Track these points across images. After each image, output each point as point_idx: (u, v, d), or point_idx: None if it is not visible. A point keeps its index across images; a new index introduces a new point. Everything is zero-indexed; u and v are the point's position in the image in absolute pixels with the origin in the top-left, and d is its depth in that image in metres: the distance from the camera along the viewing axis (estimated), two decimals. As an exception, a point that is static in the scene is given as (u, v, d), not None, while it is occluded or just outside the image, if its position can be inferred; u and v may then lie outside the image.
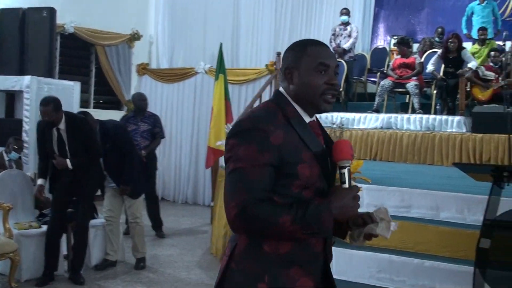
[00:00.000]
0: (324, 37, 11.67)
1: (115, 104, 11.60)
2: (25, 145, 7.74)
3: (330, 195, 1.98)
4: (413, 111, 9.47)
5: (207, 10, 12.21)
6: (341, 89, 10.16)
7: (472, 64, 9.13)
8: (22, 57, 8.52)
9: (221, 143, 7.90)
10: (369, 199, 5.58)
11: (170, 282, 5.96)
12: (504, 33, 10.27)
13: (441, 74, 9.57)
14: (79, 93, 9.05)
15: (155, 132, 7.90)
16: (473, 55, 9.57)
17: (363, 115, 9.56)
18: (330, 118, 8.49)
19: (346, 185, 2.02)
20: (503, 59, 9.45)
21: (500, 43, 10.43)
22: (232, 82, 10.25)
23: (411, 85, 9.47)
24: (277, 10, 12.11)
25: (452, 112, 9.24)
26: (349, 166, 2.04)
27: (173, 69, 11.92)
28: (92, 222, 6.19)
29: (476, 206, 5.07)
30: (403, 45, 10.02)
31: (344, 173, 2.02)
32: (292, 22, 12.21)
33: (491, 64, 9.29)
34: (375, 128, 9.38)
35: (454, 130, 8.76)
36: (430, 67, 9.55)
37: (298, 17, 12.25)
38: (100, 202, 6.54)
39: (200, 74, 11.26)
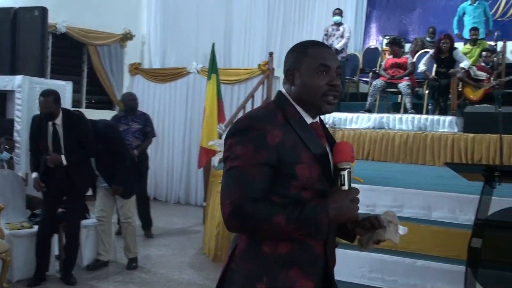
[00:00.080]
0: (317, 37, 11.67)
1: (107, 104, 11.58)
2: (17, 145, 7.71)
3: (328, 197, 1.97)
4: (405, 111, 9.49)
5: (199, 10, 12.19)
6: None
7: (465, 63, 9.16)
8: (14, 57, 8.48)
9: (213, 143, 7.89)
10: (361, 199, 5.46)
11: (162, 282, 5.95)
12: (496, 33, 10.31)
13: (433, 74, 9.60)
14: (71, 93, 9.00)
15: (147, 131, 7.89)
16: (464, 55, 9.60)
17: (355, 115, 9.57)
18: (322, 118, 8.50)
19: (346, 187, 2.00)
20: (495, 59, 9.49)
21: (492, 43, 10.47)
22: (225, 82, 10.24)
23: (403, 85, 9.49)
24: (269, 10, 12.11)
25: (444, 112, 9.26)
26: (349, 168, 2.02)
27: (165, 69, 11.91)
28: (84, 222, 6.18)
29: (468, 206, 5.09)
30: (395, 45, 10.04)
31: (343, 175, 2.01)
32: (285, 22, 12.22)
33: (483, 64, 9.32)
34: (367, 128, 9.40)
35: (446, 130, 8.78)
36: (422, 67, 9.57)
37: (290, 17, 12.26)
38: (92, 202, 6.52)
39: (193, 74, 11.25)
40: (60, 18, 10.09)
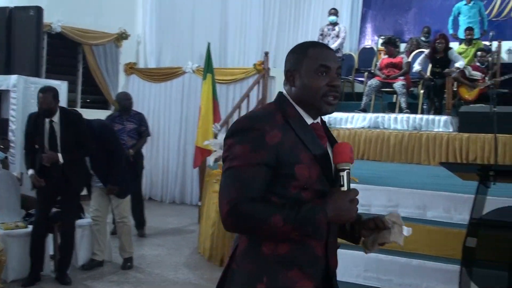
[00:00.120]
0: (312, 37, 11.70)
1: (102, 104, 11.55)
2: (12, 144, 7.70)
3: (327, 197, 1.96)
4: (400, 111, 9.51)
5: (195, 9, 12.18)
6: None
7: (460, 63, 9.19)
8: (9, 56, 8.48)
9: (208, 143, 7.89)
10: (357, 198, 5.58)
11: (158, 282, 5.95)
12: (491, 33, 10.34)
13: (428, 74, 9.62)
14: (66, 93, 8.98)
15: (141, 130, 7.88)
16: (459, 55, 9.63)
17: (350, 114, 9.59)
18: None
19: (345, 188, 1.99)
20: (490, 59, 9.52)
21: (487, 43, 10.50)
22: (220, 81, 10.23)
23: (398, 84, 9.51)
24: (265, 9, 12.12)
25: (439, 111, 9.29)
26: (348, 169, 2.02)
27: (160, 68, 11.89)
28: (79, 222, 6.16)
29: (463, 205, 5.10)
30: (390, 45, 10.07)
31: (342, 176, 2.00)
32: (280, 22, 12.24)
33: (478, 64, 9.35)
34: (363, 127, 9.42)
35: (441, 129, 8.81)
36: (417, 67, 9.59)
37: (286, 17, 12.29)
38: (86, 202, 6.51)
39: (188, 74, 11.24)
40: (55, 18, 10.06)
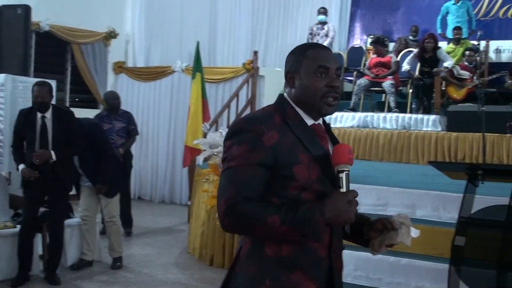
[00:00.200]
0: (301, 36, 11.72)
1: (91, 103, 11.50)
2: (0, 144, 7.64)
3: (325, 199, 1.95)
4: (389, 110, 9.55)
5: (183, 8, 12.16)
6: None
7: (448, 63, 9.23)
8: (-4, 55, 8.42)
9: (198, 142, 7.87)
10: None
11: (147, 282, 5.94)
12: (479, 33, 10.40)
13: (417, 73, 9.66)
14: (55, 92, 8.92)
15: (130, 129, 7.87)
16: (448, 55, 9.67)
17: (339, 113, 9.61)
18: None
19: (344, 190, 1.99)
20: (478, 58, 9.58)
21: (475, 42, 10.56)
22: (209, 80, 10.22)
23: (387, 84, 9.54)
24: (254, 8, 12.13)
25: (427, 111, 9.33)
26: (347, 171, 2.01)
27: (149, 67, 11.86)
28: (68, 221, 6.13)
29: (451, 204, 5.12)
30: (379, 44, 10.10)
31: (341, 177, 2.00)
32: (269, 20, 12.25)
33: (466, 63, 9.40)
34: (352, 126, 9.45)
35: (429, 128, 8.85)
36: (406, 66, 9.62)
37: (275, 16, 12.29)
38: (75, 202, 6.48)
39: (177, 73, 11.21)
40: (44, 16, 10.01)
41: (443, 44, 10.38)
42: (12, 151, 5.84)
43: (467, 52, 9.53)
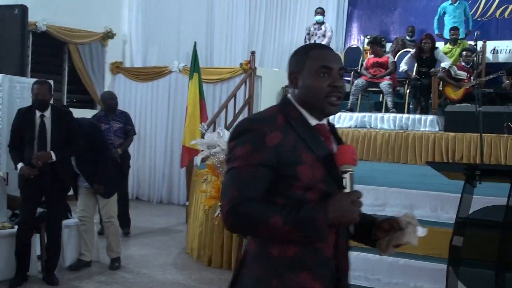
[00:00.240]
0: (299, 37, 11.74)
1: (88, 103, 11.49)
2: (-3, 144, 7.63)
3: (328, 199, 1.95)
4: (387, 110, 9.56)
5: (181, 8, 12.15)
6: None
7: (445, 63, 9.26)
8: (-7, 56, 8.40)
9: (195, 142, 7.85)
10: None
11: (146, 282, 5.93)
12: (476, 33, 10.40)
13: (414, 73, 9.67)
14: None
15: (128, 129, 7.88)
16: (445, 55, 9.69)
17: (337, 114, 9.59)
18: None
19: (347, 190, 1.99)
20: (475, 58, 9.59)
21: (472, 42, 10.56)
22: (207, 81, 10.22)
23: (385, 84, 9.55)
24: (251, 9, 12.13)
25: (425, 111, 9.35)
26: (352, 171, 2.02)
27: (147, 68, 11.85)
28: (66, 222, 6.13)
29: (449, 204, 5.12)
30: (376, 44, 10.12)
31: (345, 178, 2.00)
32: (266, 21, 12.25)
33: (463, 63, 9.42)
34: (349, 127, 9.46)
35: (427, 129, 8.87)
36: (403, 66, 9.65)
37: (272, 16, 12.30)
38: (73, 202, 6.48)
39: (175, 73, 11.20)
40: (41, 17, 9.99)
41: (440, 45, 10.40)
42: (10, 151, 5.81)
43: (464, 53, 9.54)
